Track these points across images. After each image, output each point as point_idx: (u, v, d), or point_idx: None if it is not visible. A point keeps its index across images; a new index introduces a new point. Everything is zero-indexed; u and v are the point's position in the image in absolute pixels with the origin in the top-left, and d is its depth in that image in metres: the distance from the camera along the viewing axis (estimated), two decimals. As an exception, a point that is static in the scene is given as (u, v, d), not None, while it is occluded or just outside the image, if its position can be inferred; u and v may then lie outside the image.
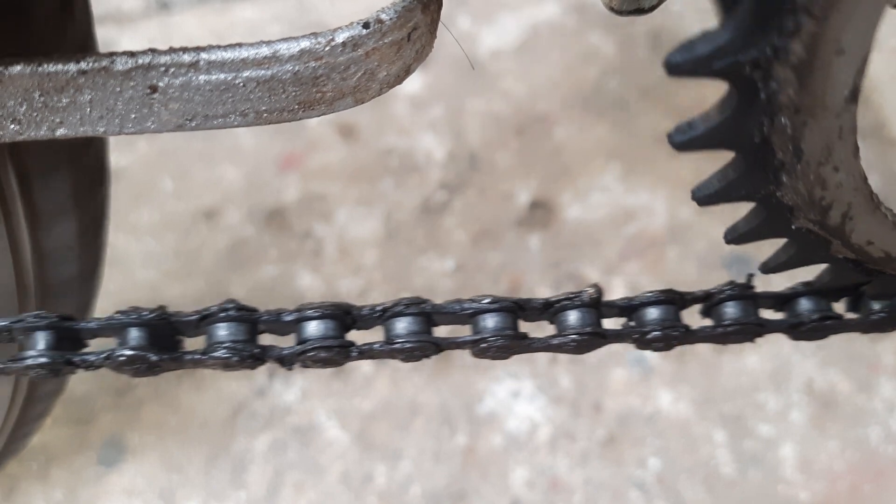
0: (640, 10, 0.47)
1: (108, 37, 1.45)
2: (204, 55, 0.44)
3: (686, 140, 0.44)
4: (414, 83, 1.40)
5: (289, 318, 0.57)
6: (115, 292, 1.16)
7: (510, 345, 0.60)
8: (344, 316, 0.57)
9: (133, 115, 0.46)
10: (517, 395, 1.13)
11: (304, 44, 0.44)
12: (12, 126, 0.46)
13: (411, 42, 0.45)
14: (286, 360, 0.57)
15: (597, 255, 1.23)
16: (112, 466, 1.09)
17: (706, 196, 0.50)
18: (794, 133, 0.44)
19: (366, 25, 0.44)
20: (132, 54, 0.45)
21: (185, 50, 0.44)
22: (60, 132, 0.46)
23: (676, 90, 1.35)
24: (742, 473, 1.07)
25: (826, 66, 0.41)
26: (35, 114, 0.46)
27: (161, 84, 0.45)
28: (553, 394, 1.13)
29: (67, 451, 1.10)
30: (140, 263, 1.23)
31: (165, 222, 1.27)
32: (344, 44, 0.44)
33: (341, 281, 1.22)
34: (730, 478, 1.07)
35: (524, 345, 0.61)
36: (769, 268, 0.58)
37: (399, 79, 0.47)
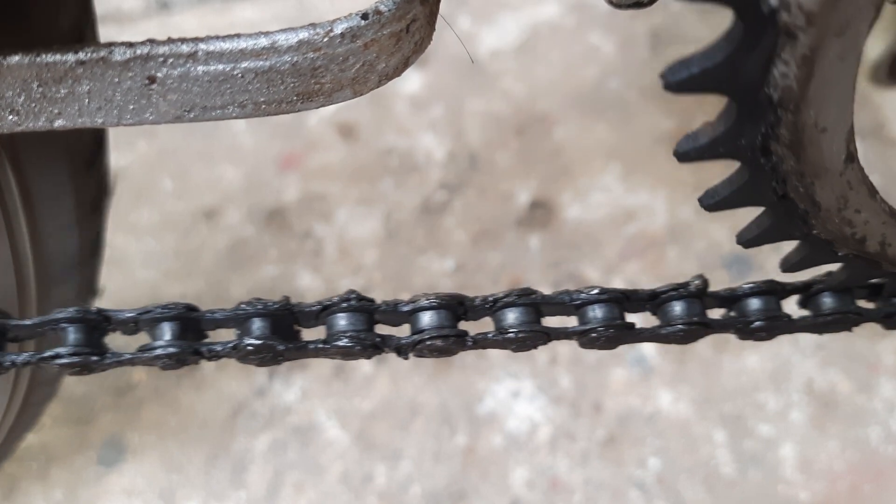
0: (640, 4, 0.47)
1: (108, 37, 1.44)
2: (202, 46, 0.44)
3: (713, 203, 0.52)
4: (414, 83, 1.40)
5: (405, 308, 0.58)
6: (114, 292, 1.16)
7: (619, 335, 0.60)
8: (457, 306, 0.58)
9: (131, 107, 0.46)
10: (517, 395, 1.13)
11: (303, 35, 0.44)
12: (10, 117, 0.46)
13: (410, 34, 0.45)
14: (403, 349, 0.59)
15: (597, 255, 1.23)
16: (112, 466, 1.09)
17: (751, 239, 0.55)
18: (807, 191, 0.49)
19: (364, 16, 0.43)
20: (130, 45, 0.45)
21: (183, 41, 0.44)
22: (59, 123, 0.46)
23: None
24: (742, 473, 1.07)
25: (815, 142, 0.46)
26: (33, 104, 0.45)
27: (159, 75, 0.45)
28: (553, 394, 1.13)
29: (67, 451, 1.10)
30: (140, 263, 1.23)
31: (165, 222, 1.27)
32: (342, 35, 0.44)
33: (341, 281, 1.22)
34: (730, 478, 1.06)
35: (632, 335, 0.61)
36: (836, 284, 0.62)
37: (398, 71, 0.47)
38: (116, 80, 0.45)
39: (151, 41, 0.45)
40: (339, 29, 0.44)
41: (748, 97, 0.43)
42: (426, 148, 1.34)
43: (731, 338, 1.15)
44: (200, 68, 0.45)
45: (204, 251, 1.25)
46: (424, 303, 0.58)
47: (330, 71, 0.45)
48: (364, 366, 1.15)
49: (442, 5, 0.50)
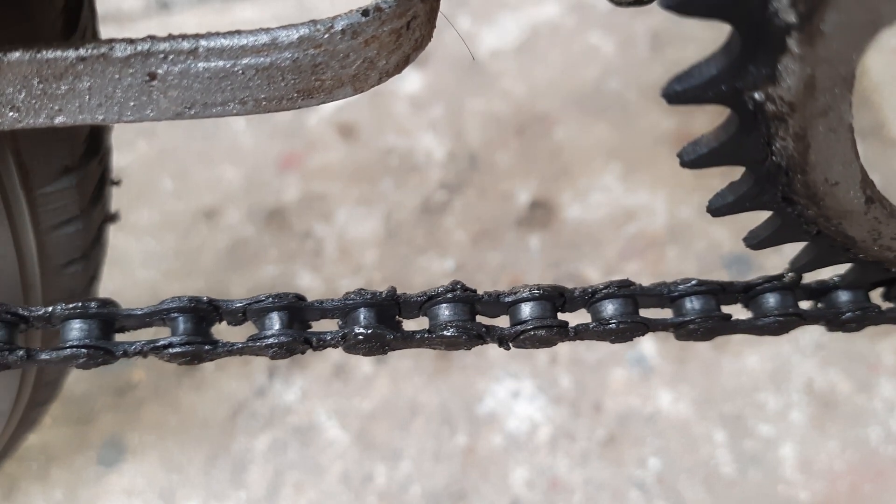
0: (640, 2, 0.47)
1: (108, 35, 1.45)
2: (203, 42, 0.44)
3: (757, 243, 0.56)
4: (414, 83, 1.40)
5: (507, 299, 0.59)
6: (114, 292, 1.16)
7: (716, 326, 0.61)
8: (557, 298, 0.59)
9: (132, 103, 0.46)
10: (517, 395, 1.13)
11: (303, 31, 0.44)
12: (11, 114, 0.46)
13: (410, 31, 0.45)
14: (505, 339, 0.59)
15: (597, 255, 1.23)
16: (112, 466, 1.09)
17: (802, 266, 0.59)
18: (837, 230, 0.53)
19: (365, 13, 0.43)
20: (131, 41, 0.44)
21: (184, 37, 0.44)
22: (59, 120, 0.46)
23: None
24: (742, 473, 1.07)
25: (830, 194, 0.49)
26: (34, 101, 0.45)
27: (160, 71, 0.45)
28: (553, 394, 1.12)
29: (67, 451, 1.10)
30: (140, 263, 1.23)
31: (165, 222, 1.27)
32: (343, 31, 0.44)
33: (341, 281, 1.22)
34: (730, 478, 1.06)
35: (729, 326, 0.62)
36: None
37: (398, 68, 0.47)
38: (117, 76, 0.45)
39: (152, 38, 0.45)
40: (339, 25, 0.44)
41: (758, 166, 0.48)
42: (426, 148, 1.34)
43: (731, 337, 1.15)
44: (201, 65, 0.45)
45: (204, 251, 1.25)
46: (526, 294, 0.59)
47: (331, 67, 0.45)
48: (364, 366, 1.15)
49: (442, 3, 0.50)
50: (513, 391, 1.13)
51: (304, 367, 1.15)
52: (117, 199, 0.82)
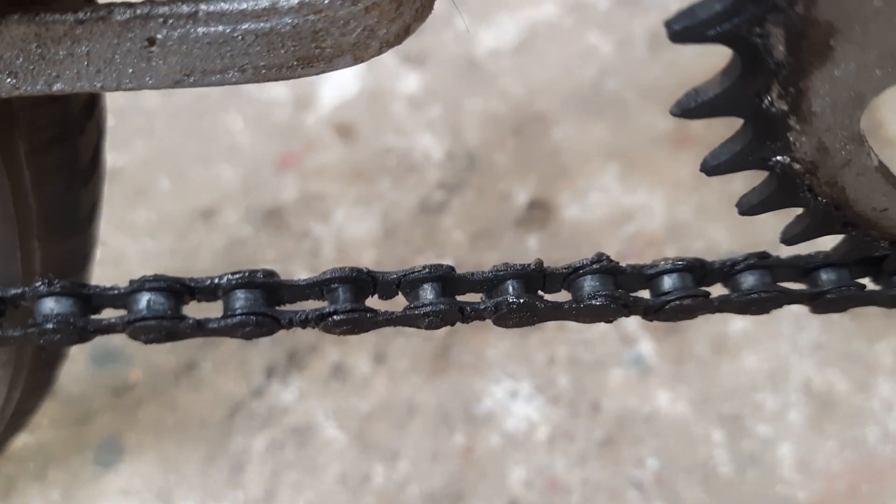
0: None
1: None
2: (203, 6, 0.43)
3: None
4: (412, 83, 1.40)
5: (650, 271, 0.61)
6: (112, 292, 1.16)
7: (853, 296, 0.63)
8: (699, 269, 0.61)
9: (130, 70, 0.45)
10: (515, 395, 1.13)
11: None
12: (9, 80, 0.45)
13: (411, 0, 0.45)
14: (650, 311, 0.60)
15: (595, 255, 1.22)
16: (109, 467, 1.09)
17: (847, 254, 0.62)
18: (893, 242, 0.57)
19: None
20: (130, 5, 0.44)
21: (183, 0, 0.44)
22: (57, 87, 0.45)
23: (675, 90, 1.35)
24: (740, 473, 1.07)
25: (883, 218, 0.54)
26: (32, 66, 0.45)
27: (159, 36, 0.44)
28: (551, 394, 1.12)
29: (64, 451, 1.10)
30: (137, 263, 1.23)
31: (162, 222, 1.27)
32: None
33: (339, 281, 1.21)
34: (728, 478, 1.06)
35: (864, 297, 0.64)
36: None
37: (399, 38, 0.46)
38: (116, 41, 0.44)
39: (152, 1, 0.44)
40: None
41: (810, 207, 0.53)
42: (424, 148, 1.34)
43: (729, 338, 1.15)
44: (201, 30, 0.44)
45: (201, 251, 1.25)
46: (668, 265, 0.60)
47: (331, 35, 0.45)
48: (362, 366, 1.15)
49: (439, 5, 0.50)
50: (511, 391, 1.13)
51: (302, 368, 1.15)
52: (114, 198, 0.82)
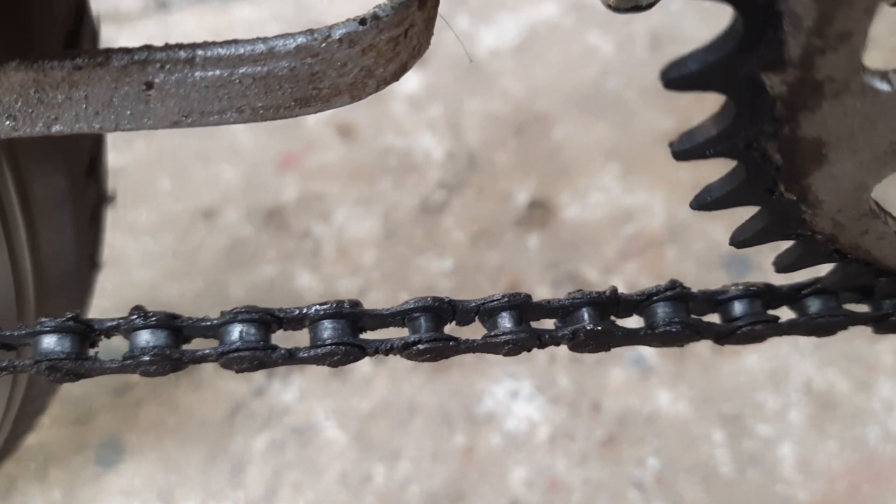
0: (638, 8, 0.47)
1: (106, 36, 1.43)
2: (200, 51, 0.44)
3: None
4: (413, 83, 1.40)
5: (721, 297, 0.63)
6: (112, 292, 1.16)
7: None
8: (768, 294, 0.63)
9: (129, 112, 0.46)
10: (516, 395, 1.13)
11: (301, 40, 0.44)
12: (7, 122, 0.45)
13: (408, 39, 0.45)
14: (722, 336, 0.62)
15: (595, 255, 1.23)
16: (110, 466, 1.09)
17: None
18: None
19: (362, 22, 0.43)
20: (128, 50, 0.44)
21: (181, 46, 0.44)
22: (56, 129, 0.46)
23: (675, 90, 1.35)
24: (741, 473, 1.07)
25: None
26: (30, 110, 0.45)
27: (157, 80, 0.45)
28: (552, 394, 1.12)
29: (65, 451, 1.10)
30: (138, 263, 1.23)
31: (163, 222, 1.27)
32: (340, 40, 0.44)
33: (340, 281, 1.22)
34: (728, 477, 1.06)
35: None
36: None
37: (396, 76, 0.47)
38: (114, 85, 0.45)
39: (149, 47, 0.45)
40: (337, 34, 0.43)
41: (846, 267, 0.57)
42: (425, 148, 1.34)
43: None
44: (198, 74, 0.44)
45: (202, 251, 1.25)
46: (738, 292, 0.63)
47: (328, 76, 0.45)
48: (363, 366, 1.15)
49: (441, 5, 0.50)
50: (511, 391, 1.13)
51: (303, 368, 1.15)
52: (116, 198, 0.82)
